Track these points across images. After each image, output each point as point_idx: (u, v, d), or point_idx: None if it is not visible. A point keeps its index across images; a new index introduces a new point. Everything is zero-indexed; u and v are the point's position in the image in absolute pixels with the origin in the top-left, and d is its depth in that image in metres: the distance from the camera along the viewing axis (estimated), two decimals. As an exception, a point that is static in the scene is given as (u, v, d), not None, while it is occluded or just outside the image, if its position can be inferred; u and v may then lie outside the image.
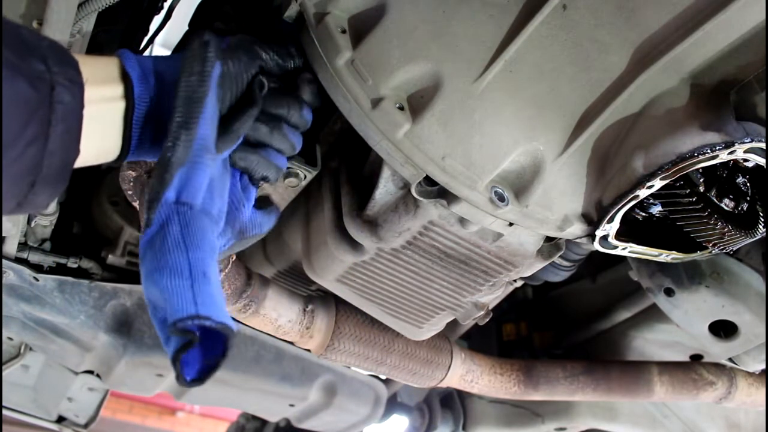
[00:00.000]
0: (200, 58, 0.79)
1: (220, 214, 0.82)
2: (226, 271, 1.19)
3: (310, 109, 0.96)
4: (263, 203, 0.98)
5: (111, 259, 1.69)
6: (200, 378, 0.71)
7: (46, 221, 1.49)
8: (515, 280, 1.30)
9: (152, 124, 0.80)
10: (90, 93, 0.71)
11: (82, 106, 0.70)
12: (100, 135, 0.77)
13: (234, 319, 1.31)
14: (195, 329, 0.69)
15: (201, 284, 0.71)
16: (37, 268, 1.57)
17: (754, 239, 1.09)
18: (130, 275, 1.72)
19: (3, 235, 1.44)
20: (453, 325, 1.57)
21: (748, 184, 1.10)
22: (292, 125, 0.94)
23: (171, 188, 0.75)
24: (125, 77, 0.79)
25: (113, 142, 0.79)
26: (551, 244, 1.13)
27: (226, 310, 0.73)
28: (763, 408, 1.77)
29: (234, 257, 1.21)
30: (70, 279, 1.60)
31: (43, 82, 0.65)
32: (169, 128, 0.77)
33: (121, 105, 0.78)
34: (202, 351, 0.71)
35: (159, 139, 0.81)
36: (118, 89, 0.78)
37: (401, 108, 0.94)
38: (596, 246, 1.10)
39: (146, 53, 1.52)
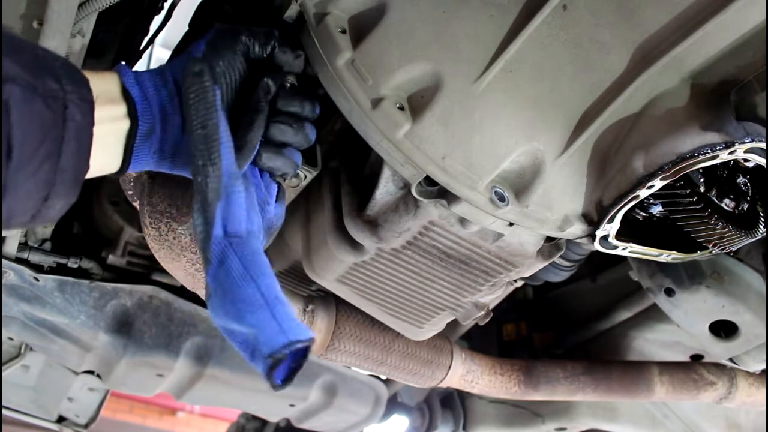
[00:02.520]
0: (201, 90, 0.80)
1: (260, 227, 0.85)
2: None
3: (317, 100, 0.98)
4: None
5: (111, 259, 1.69)
6: (288, 380, 0.76)
7: (46, 221, 1.49)
8: (515, 281, 1.30)
9: (151, 139, 0.83)
10: (97, 113, 0.73)
11: (92, 123, 0.72)
12: (104, 151, 0.79)
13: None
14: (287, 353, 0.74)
15: (279, 309, 0.75)
16: (38, 269, 1.58)
17: (755, 239, 1.09)
18: (130, 275, 1.72)
19: (3, 235, 1.44)
20: (453, 325, 1.57)
21: (748, 184, 1.10)
22: (311, 120, 0.95)
23: (216, 225, 0.78)
24: (125, 95, 0.81)
25: (115, 158, 0.81)
26: (551, 244, 1.13)
27: (299, 320, 0.77)
28: (764, 408, 1.77)
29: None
30: (70, 279, 1.61)
31: (56, 101, 0.68)
32: (194, 166, 0.79)
33: (125, 124, 0.80)
34: (291, 357, 0.76)
35: (157, 151, 0.84)
36: (122, 108, 0.80)
37: (401, 108, 0.94)
38: (596, 246, 1.10)
39: (146, 53, 1.52)
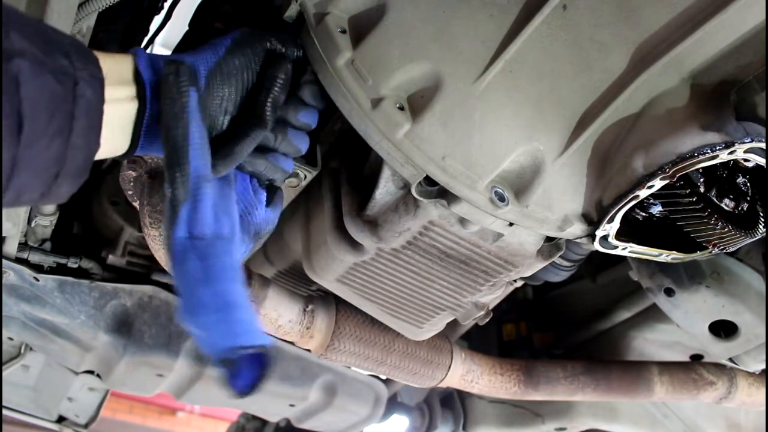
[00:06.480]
0: (176, 91, 0.80)
1: (232, 229, 0.84)
2: (227, 271, 1.19)
3: (315, 110, 0.97)
4: (268, 194, 1.00)
5: (111, 259, 1.69)
6: (252, 389, 0.76)
7: (46, 221, 1.49)
8: (515, 280, 1.30)
9: (160, 124, 0.82)
10: (107, 93, 0.73)
11: (102, 101, 0.72)
12: (112, 132, 0.78)
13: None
14: (237, 357, 0.74)
15: (230, 314, 0.76)
16: (38, 268, 1.57)
17: (754, 239, 1.09)
18: (130, 275, 1.72)
19: (3, 235, 1.44)
20: (453, 325, 1.57)
21: (748, 184, 1.10)
22: (296, 128, 0.94)
23: (180, 226, 0.78)
24: (137, 77, 0.80)
25: (123, 140, 0.81)
26: (551, 244, 1.13)
27: (258, 328, 0.78)
28: (764, 408, 1.77)
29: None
30: (70, 279, 1.60)
31: (67, 77, 0.67)
32: (165, 167, 0.79)
33: (134, 106, 0.80)
34: (250, 364, 0.76)
35: None
36: (132, 90, 0.80)
37: (401, 108, 0.94)
38: (596, 246, 1.10)
39: (146, 53, 1.52)
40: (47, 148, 0.66)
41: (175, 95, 0.79)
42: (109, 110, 0.74)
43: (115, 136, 0.80)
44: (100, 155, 0.77)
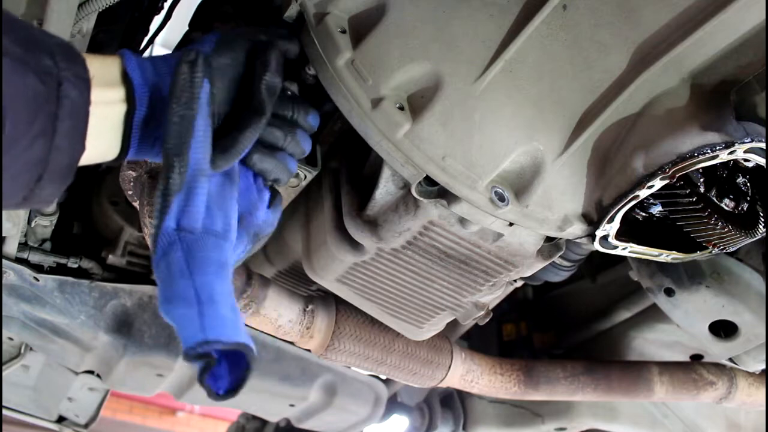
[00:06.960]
0: (189, 79, 0.78)
1: (225, 227, 0.82)
2: (227, 271, 1.19)
3: (317, 112, 0.97)
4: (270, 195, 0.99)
5: (111, 259, 1.69)
6: (231, 392, 0.73)
7: (46, 221, 1.49)
8: (515, 280, 1.30)
9: (152, 125, 0.81)
10: (94, 95, 0.71)
11: (88, 102, 0.70)
12: (101, 135, 0.77)
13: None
14: (210, 353, 0.71)
15: (208, 308, 0.73)
16: (38, 268, 1.57)
17: (754, 239, 1.09)
18: (130, 275, 1.72)
19: (3, 235, 1.44)
20: (453, 325, 1.57)
21: (748, 184, 1.10)
22: (303, 129, 0.94)
23: (170, 216, 0.76)
24: (126, 79, 0.79)
25: (113, 143, 0.80)
26: (551, 244, 1.13)
27: (240, 326, 0.75)
28: (764, 408, 1.77)
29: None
30: (70, 279, 1.60)
31: (50, 77, 0.66)
32: (162, 155, 0.77)
33: (122, 108, 0.78)
34: (229, 366, 0.73)
35: (158, 138, 0.82)
36: (121, 92, 0.78)
37: (401, 108, 0.94)
38: (596, 246, 1.10)
39: (146, 53, 1.52)
40: (29, 150, 0.64)
41: (188, 85, 0.77)
42: (96, 112, 0.72)
43: (103, 140, 0.78)
44: (89, 159, 0.75)
